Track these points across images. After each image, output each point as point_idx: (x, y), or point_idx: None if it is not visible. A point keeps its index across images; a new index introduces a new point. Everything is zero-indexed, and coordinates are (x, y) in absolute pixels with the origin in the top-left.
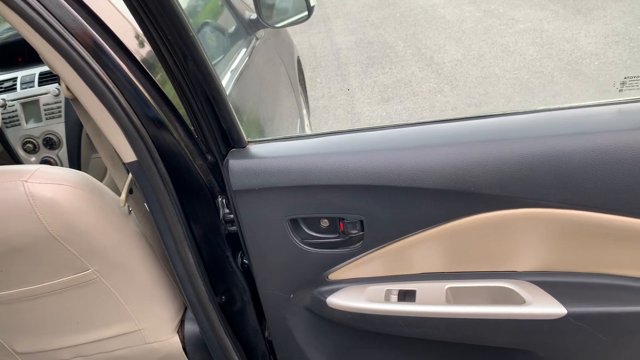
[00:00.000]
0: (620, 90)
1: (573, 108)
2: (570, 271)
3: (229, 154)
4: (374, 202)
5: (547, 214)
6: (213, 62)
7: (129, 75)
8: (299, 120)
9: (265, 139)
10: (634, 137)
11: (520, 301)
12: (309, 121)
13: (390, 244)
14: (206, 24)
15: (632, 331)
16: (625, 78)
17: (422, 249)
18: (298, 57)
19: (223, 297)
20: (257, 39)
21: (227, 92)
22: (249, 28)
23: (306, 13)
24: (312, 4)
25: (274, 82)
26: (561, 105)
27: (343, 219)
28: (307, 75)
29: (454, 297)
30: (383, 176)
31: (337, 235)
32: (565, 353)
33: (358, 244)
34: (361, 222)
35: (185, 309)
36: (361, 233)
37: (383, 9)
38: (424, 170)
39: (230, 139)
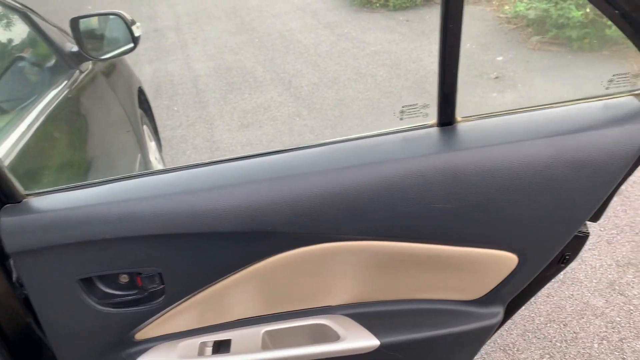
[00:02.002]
0: (400, 119)
1: (359, 139)
2: (381, 300)
3: (1, 211)
4: (170, 252)
5: (347, 247)
6: (22, 104)
7: None
8: (139, 156)
9: (45, 190)
10: (416, 164)
11: (336, 337)
12: (160, 155)
13: (197, 293)
14: (19, 58)
15: (441, 354)
16: (403, 107)
17: (233, 294)
18: (140, 87)
19: None
20: (81, 72)
21: (28, 136)
22: (70, 61)
23: (132, 45)
24: (136, 35)
25: (102, 119)
26: (348, 137)
27: (140, 273)
28: (163, 103)
29: (272, 340)
30: (176, 223)
31: (137, 292)
32: None
33: (160, 299)
34: (160, 274)
35: None
36: (162, 286)
37: (242, 35)
38: (218, 213)
39: (1, 194)
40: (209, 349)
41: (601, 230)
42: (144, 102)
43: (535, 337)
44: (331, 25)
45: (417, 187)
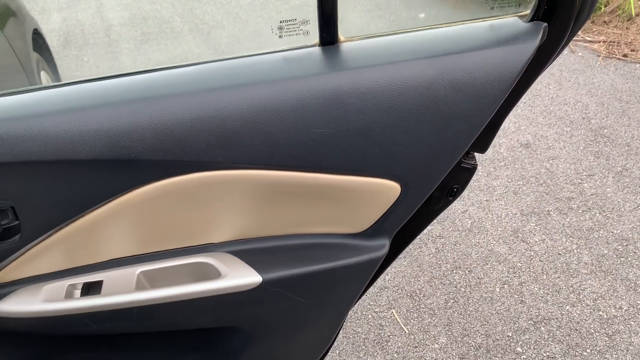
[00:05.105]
0: (280, 37)
1: (235, 58)
2: (265, 236)
3: None
4: (23, 182)
5: (222, 176)
6: None
7: None
8: None
9: None
10: (294, 85)
11: (217, 275)
12: None
13: (60, 229)
14: None
15: (326, 288)
16: (281, 22)
17: (102, 231)
18: (36, 29)
19: None
20: None
21: None
22: None
23: None
24: None
25: None
26: (222, 57)
27: None
28: (72, 53)
29: (149, 281)
30: (26, 149)
31: None
32: (268, 322)
33: (16, 237)
34: (12, 208)
35: None
36: (16, 222)
37: None
38: (72, 138)
39: None
40: (77, 292)
41: (509, 182)
42: (42, 46)
43: (442, 283)
44: None
45: (295, 111)
